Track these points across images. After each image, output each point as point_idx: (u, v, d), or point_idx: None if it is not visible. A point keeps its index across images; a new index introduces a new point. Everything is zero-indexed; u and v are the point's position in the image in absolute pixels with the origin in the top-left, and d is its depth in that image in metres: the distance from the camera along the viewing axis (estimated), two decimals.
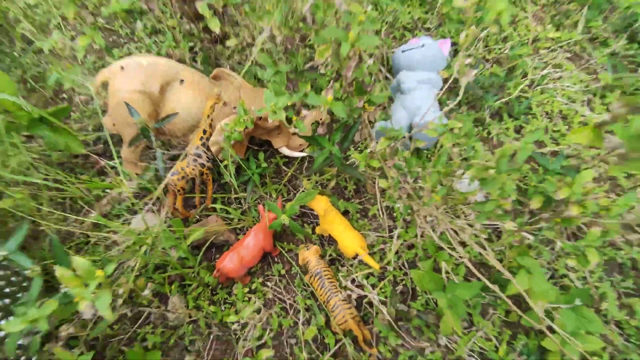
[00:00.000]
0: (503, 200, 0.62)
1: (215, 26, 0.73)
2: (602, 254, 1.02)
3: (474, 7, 0.58)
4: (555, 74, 1.31)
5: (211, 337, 0.91)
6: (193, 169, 0.92)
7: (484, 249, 0.82)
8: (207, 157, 0.93)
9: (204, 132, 0.90)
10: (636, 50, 1.35)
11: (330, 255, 0.99)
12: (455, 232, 0.86)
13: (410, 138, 1.09)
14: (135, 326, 0.91)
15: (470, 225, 0.81)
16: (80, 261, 0.58)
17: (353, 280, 0.95)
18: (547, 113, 1.25)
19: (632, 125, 0.45)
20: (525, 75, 1.31)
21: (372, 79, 0.75)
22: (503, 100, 1.20)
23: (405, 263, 0.99)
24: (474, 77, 1.07)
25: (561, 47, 1.39)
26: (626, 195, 0.94)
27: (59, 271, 0.57)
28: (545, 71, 1.30)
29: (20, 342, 0.59)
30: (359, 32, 0.57)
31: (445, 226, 0.77)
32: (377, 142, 0.97)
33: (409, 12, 1.40)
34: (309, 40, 1.12)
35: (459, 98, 0.70)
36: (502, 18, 0.58)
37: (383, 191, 1.03)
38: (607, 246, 1.04)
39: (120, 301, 0.69)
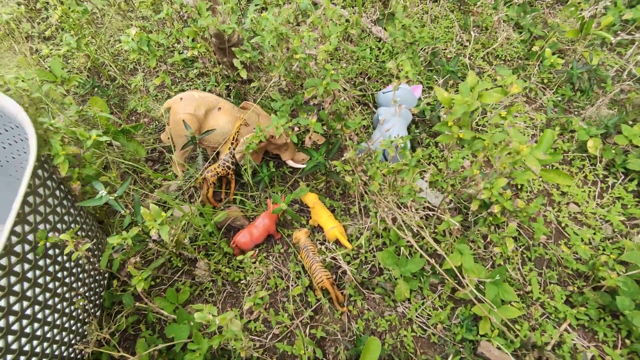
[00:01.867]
0: (415, 184, 0.94)
1: (243, 74, 1.12)
2: (534, 251, 1.29)
3: (397, 68, 0.94)
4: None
5: (225, 292, 1.24)
6: (222, 170, 1.29)
7: (422, 229, 1.12)
8: (232, 162, 1.30)
9: (232, 144, 1.28)
10: (579, 97, 1.67)
11: (318, 239, 1.31)
12: (404, 221, 1.17)
13: (385, 157, 1.43)
14: (175, 278, 1.25)
15: (416, 213, 1.13)
16: (152, 206, 0.94)
17: (334, 258, 1.27)
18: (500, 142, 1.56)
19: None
20: (485, 113, 1.64)
21: (347, 110, 1.11)
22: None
23: (375, 249, 1.29)
24: (435, 115, 1.41)
25: (519, 92, 1.73)
26: (536, 199, 1.23)
27: (142, 210, 0.92)
28: (500, 109, 1.63)
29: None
30: (329, 80, 0.94)
31: (393, 211, 1.09)
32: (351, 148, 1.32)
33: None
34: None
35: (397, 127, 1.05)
36: (409, 75, 0.94)
37: (362, 196, 1.36)
38: (538, 246, 1.31)
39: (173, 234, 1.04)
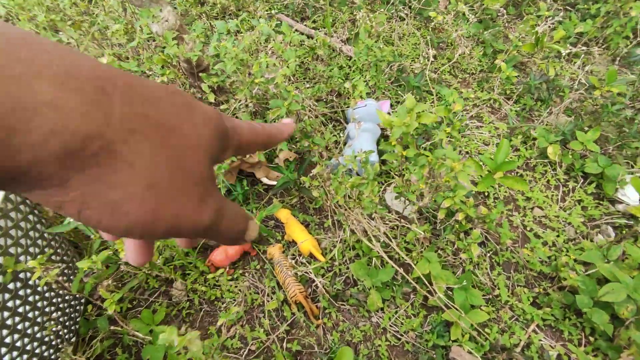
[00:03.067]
0: (374, 196, 0.99)
1: (211, 98, 1.17)
2: (501, 255, 1.34)
3: (364, 83, 1.00)
4: (475, 124, 1.71)
5: (202, 311, 1.25)
6: None
7: (390, 240, 1.17)
8: None
9: None
10: (539, 106, 1.75)
11: (292, 254, 1.34)
12: (372, 231, 1.22)
13: (357, 172, 1.47)
14: (152, 299, 1.26)
15: (383, 223, 1.17)
16: (104, 253, 0.97)
17: (308, 273, 1.30)
18: (467, 152, 1.63)
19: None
20: (450, 124, 1.71)
21: (313, 128, 1.17)
22: (429, 143, 1.60)
23: (348, 260, 1.33)
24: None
25: (483, 103, 1.81)
26: (497, 206, 1.29)
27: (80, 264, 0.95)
28: (467, 122, 1.70)
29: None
30: (290, 102, 0.99)
31: (361, 224, 1.13)
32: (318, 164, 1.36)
33: (364, 81, 1.87)
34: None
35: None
36: (362, 94, 1.00)
37: (334, 210, 1.40)
38: (506, 251, 1.36)
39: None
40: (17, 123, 0.13)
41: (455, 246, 1.31)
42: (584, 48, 1.78)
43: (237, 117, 1.56)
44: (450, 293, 1.20)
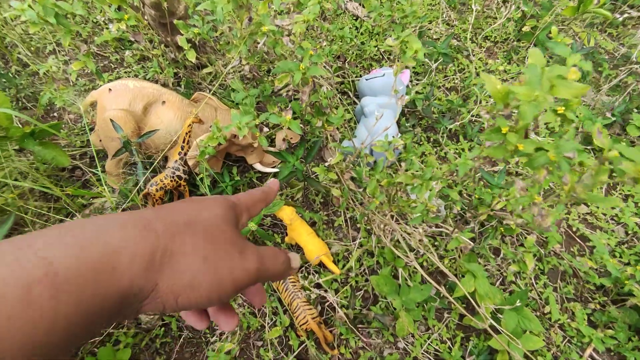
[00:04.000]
0: (430, 204, 0.72)
1: (192, 57, 0.84)
2: (546, 262, 1.12)
3: (400, 46, 0.70)
4: None
5: (182, 339, 0.97)
6: (171, 181, 1.00)
7: (430, 252, 0.91)
8: (184, 171, 1.02)
9: (182, 148, 0.99)
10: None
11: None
12: (405, 239, 0.96)
13: (372, 154, 1.20)
14: (109, 328, 0.96)
15: (418, 231, 0.91)
16: None
17: (319, 285, 1.03)
18: None
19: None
20: (479, 101, 1.45)
21: (329, 102, 0.87)
22: (458, 123, 1.33)
23: (367, 270, 1.07)
24: (427, 105, 1.19)
25: (512, 78, 1.55)
26: (557, 207, 1.05)
27: None
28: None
29: None
30: (308, 64, 0.68)
31: (394, 231, 0.86)
32: (345, 159, 1.08)
33: (375, 46, 1.56)
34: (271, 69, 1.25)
35: (395, 116, 0.82)
36: (419, 55, 0.71)
37: (338, 199, 1.12)
38: (551, 255, 1.14)
39: None
40: (110, 262, 0.22)
41: (501, 255, 1.08)
42: (637, 13, 1.53)
43: (225, 84, 1.22)
44: (498, 314, 0.97)
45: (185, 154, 1.00)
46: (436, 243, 1.10)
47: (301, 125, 0.99)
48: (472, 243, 0.88)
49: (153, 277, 0.23)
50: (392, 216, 0.89)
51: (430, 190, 0.67)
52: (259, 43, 0.69)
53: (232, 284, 0.26)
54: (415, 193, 0.66)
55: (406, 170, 0.75)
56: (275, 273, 0.30)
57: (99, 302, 0.21)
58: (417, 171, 0.70)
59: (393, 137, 0.94)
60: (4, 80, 1.17)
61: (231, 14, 0.66)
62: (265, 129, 0.84)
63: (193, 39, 0.81)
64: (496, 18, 1.71)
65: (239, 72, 0.89)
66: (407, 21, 1.16)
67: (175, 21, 0.80)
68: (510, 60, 1.60)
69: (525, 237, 1.06)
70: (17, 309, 0.18)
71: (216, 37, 0.84)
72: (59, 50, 1.36)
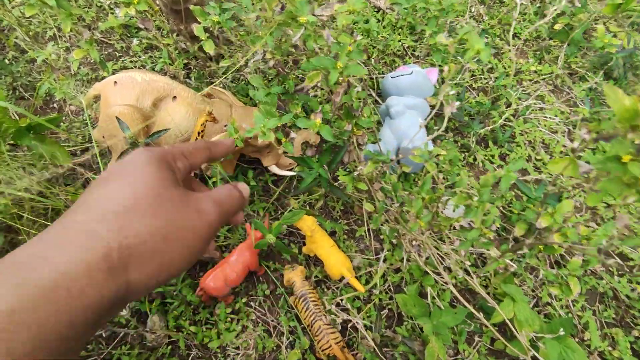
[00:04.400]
0: (487, 229, 0.63)
1: (210, 48, 0.74)
2: (584, 282, 1.04)
3: (455, 45, 0.61)
4: (537, 105, 1.36)
5: (190, 358, 0.88)
6: None
7: (469, 274, 0.83)
8: (195, 174, 0.92)
9: None
10: (612, 84, 1.41)
11: (315, 276, 0.98)
12: (441, 257, 0.87)
13: (398, 161, 1.11)
14: (110, 347, 0.87)
15: (455, 251, 0.82)
16: None
17: (338, 304, 0.94)
18: (529, 142, 1.29)
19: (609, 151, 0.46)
20: (509, 104, 1.35)
21: (361, 103, 0.77)
22: (488, 128, 1.24)
23: (391, 286, 0.98)
24: (458, 107, 1.10)
25: (543, 79, 1.45)
26: (605, 225, 0.96)
27: None
28: (528, 102, 1.35)
29: None
30: (346, 62, 0.59)
31: (431, 251, 0.78)
32: (365, 165, 0.98)
33: (399, 40, 1.46)
34: (299, 65, 1.15)
35: (444, 125, 0.72)
36: (482, 56, 0.61)
37: (370, 213, 1.03)
38: (588, 275, 1.06)
39: None
40: (61, 286, 0.21)
41: (541, 276, 0.99)
42: None
43: (239, 77, 1.12)
44: (536, 341, 0.88)
45: None
46: (472, 264, 1.02)
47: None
48: (514, 265, 0.79)
49: (120, 278, 0.23)
50: (432, 236, 0.81)
51: (487, 215, 0.58)
52: (288, 35, 0.59)
53: (201, 242, 0.27)
54: (471, 217, 0.57)
55: (448, 186, 0.65)
56: (234, 211, 0.32)
57: (64, 330, 0.21)
58: (471, 188, 0.61)
59: (423, 142, 0.85)
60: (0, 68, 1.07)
61: (259, 1, 0.57)
62: (293, 134, 0.74)
63: (211, 28, 0.71)
64: (525, 14, 1.61)
65: (261, 66, 0.80)
66: (441, 16, 1.06)
67: (191, 7, 0.70)
68: (541, 60, 1.50)
69: (569, 257, 0.98)
70: None
71: (235, 27, 0.74)
72: (59, 36, 1.26)
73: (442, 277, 0.79)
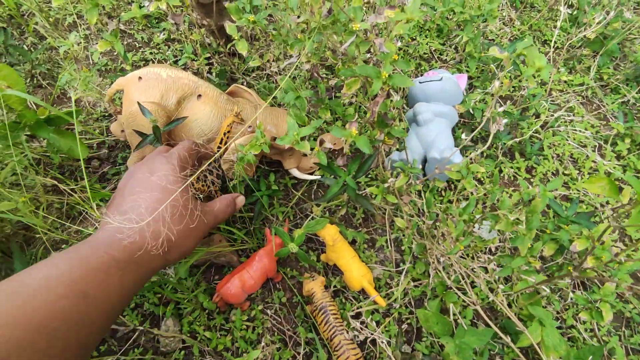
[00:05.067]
0: (532, 258, 0.60)
1: (243, 49, 0.70)
2: (613, 307, 1.00)
3: (511, 60, 0.57)
4: (567, 118, 1.31)
5: None
6: (202, 185, 0.87)
7: (496, 294, 0.79)
8: (218, 174, 0.89)
9: (218, 148, 0.86)
10: None
11: (334, 286, 0.95)
12: (468, 275, 0.84)
13: (423, 168, 1.07)
14: (122, 351, 0.85)
15: (485, 270, 0.79)
16: None
17: (358, 315, 0.92)
18: (558, 155, 1.25)
19: None
20: (538, 115, 1.31)
21: (397, 113, 0.74)
22: (517, 139, 1.19)
23: (412, 301, 0.95)
24: (501, 128, 1.07)
25: (574, 91, 1.40)
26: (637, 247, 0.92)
27: None
28: (557, 114, 1.30)
29: None
30: (390, 73, 0.55)
31: (460, 270, 0.75)
32: (391, 174, 0.95)
33: (427, 43, 1.41)
34: (334, 70, 1.11)
35: (488, 142, 0.68)
36: (542, 74, 0.57)
37: (391, 222, 1.00)
38: (615, 298, 1.02)
39: None
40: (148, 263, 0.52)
41: (571, 299, 0.96)
42: None
43: (263, 75, 1.08)
44: None
45: (220, 157, 0.88)
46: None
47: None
48: (547, 290, 0.76)
49: (165, 259, 0.53)
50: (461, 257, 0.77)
51: (533, 245, 0.54)
52: (343, 44, 0.55)
53: (202, 238, 0.60)
54: (518, 245, 0.54)
55: (486, 208, 0.62)
56: (226, 219, 0.67)
57: (145, 277, 0.51)
58: (515, 207, 0.57)
59: (449, 150, 0.81)
60: (18, 54, 1.04)
61: (305, 2, 0.53)
62: (328, 145, 0.71)
63: (245, 27, 0.68)
64: (556, 21, 1.55)
65: (295, 69, 0.76)
66: (478, 21, 1.01)
67: (227, 4, 0.66)
68: (571, 70, 1.45)
69: (598, 280, 0.94)
70: (110, 286, 0.44)
71: (268, 24, 0.71)
72: (80, 24, 1.22)
73: (467, 296, 0.75)
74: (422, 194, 1.04)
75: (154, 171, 0.54)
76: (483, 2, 0.97)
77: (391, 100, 0.73)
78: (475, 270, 0.76)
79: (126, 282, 0.43)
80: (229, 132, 0.83)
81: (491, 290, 0.97)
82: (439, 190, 1.08)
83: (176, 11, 0.73)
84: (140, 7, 0.93)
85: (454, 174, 0.70)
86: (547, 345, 0.82)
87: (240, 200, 0.67)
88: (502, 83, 0.60)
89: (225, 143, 0.86)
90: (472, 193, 0.70)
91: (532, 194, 0.77)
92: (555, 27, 1.55)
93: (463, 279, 0.78)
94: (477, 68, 1.31)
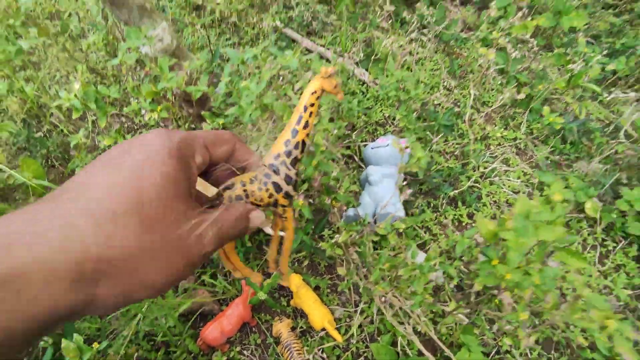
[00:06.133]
0: (428, 294, 0.79)
1: None
2: (540, 331, 1.17)
3: (402, 150, 0.80)
4: (502, 168, 1.54)
5: None
6: (260, 190, 0.35)
7: (435, 325, 0.97)
8: (288, 177, 0.35)
9: (294, 133, 0.34)
10: (569, 149, 1.60)
11: (301, 327, 1.12)
12: (404, 312, 1.01)
13: (375, 221, 1.27)
14: None
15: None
16: (78, 338, 0.73)
17: (322, 351, 1.08)
18: (495, 202, 1.46)
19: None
20: (476, 168, 1.54)
21: (339, 182, 0.95)
22: (457, 191, 1.41)
23: (367, 337, 1.12)
24: (429, 175, 1.28)
25: (509, 143, 1.65)
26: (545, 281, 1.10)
27: (64, 344, 0.71)
28: (493, 165, 1.53)
29: None
30: (320, 160, 0.77)
31: (396, 307, 0.93)
32: (344, 230, 1.15)
33: (381, 111, 1.67)
34: None
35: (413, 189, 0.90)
36: (421, 163, 0.80)
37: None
38: (545, 325, 1.19)
39: None
40: (13, 286, 0.18)
41: (496, 327, 1.13)
42: (623, 95, 1.64)
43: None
44: None
45: (302, 147, 0.36)
46: (433, 318, 1.15)
47: (310, 200, 1.08)
48: (467, 319, 0.93)
49: (86, 291, 0.19)
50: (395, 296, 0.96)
51: (426, 286, 0.73)
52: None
53: (189, 269, 0.24)
54: (414, 286, 0.73)
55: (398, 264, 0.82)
56: (231, 240, 0.28)
57: (7, 333, 0.17)
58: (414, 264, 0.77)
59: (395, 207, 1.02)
60: (37, 143, 1.28)
61: (260, 116, 0.76)
62: (268, 231, 0.92)
63: (217, 128, 0.91)
64: (493, 88, 1.83)
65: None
66: (417, 100, 1.26)
67: (202, 113, 0.90)
68: (507, 126, 1.71)
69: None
70: None
71: (237, 124, 0.94)
72: (89, 115, 1.48)
73: (406, 329, 0.93)
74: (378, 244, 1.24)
75: (134, 144, 0.24)
76: (426, 75, 1.22)
77: (333, 174, 0.95)
78: (409, 312, 0.94)
79: None
80: (312, 105, 0.37)
81: (436, 323, 1.14)
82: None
83: (165, 117, 0.97)
84: (138, 103, 1.18)
85: (381, 230, 0.90)
86: None
87: (257, 216, 0.30)
88: (407, 163, 0.82)
89: (306, 127, 0.35)
90: (394, 247, 0.90)
91: (457, 241, 0.97)
92: (492, 89, 1.83)
93: (401, 314, 0.95)
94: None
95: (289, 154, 0.34)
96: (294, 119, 0.34)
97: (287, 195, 0.35)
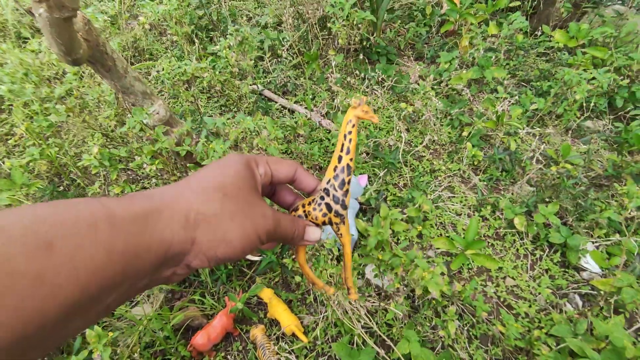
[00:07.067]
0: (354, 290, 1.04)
1: None
2: (478, 328, 1.38)
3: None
4: (446, 195, 1.83)
5: None
6: (315, 210, 0.41)
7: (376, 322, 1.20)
8: (335, 197, 0.41)
9: (339, 159, 0.40)
10: (504, 176, 1.90)
11: (274, 334, 1.35)
12: (354, 312, 1.25)
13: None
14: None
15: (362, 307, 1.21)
16: (97, 328, 0.98)
17: (292, 352, 1.30)
18: (441, 223, 1.73)
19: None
20: (426, 194, 1.82)
21: None
22: (406, 215, 1.69)
23: (331, 338, 1.34)
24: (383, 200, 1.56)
25: (454, 174, 1.94)
26: (470, 281, 1.35)
27: (87, 332, 0.95)
28: (437, 192, 1.82)
29: None
30: None
31: (344, 307, 1.17)
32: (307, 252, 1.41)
33: None
34: None
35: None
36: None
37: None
38: (484, 322, 1.41)
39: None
40: (154, 215, 0.28)
41: (434, 322, 1.36)
42: (540, 129, 1.97)
43: None
44: None
45: (349, 169, 0.41)
46: (378, 310, 1.38)
47: None
48: (401, 313, 1.17)
49: (190, 233, 0.29)
50: (344, 296, 1.20)
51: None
52: None
53: (255, 237, 0.33)
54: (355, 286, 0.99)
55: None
56: (287, 237, 0.37)
57: (145, 245, 0.26)
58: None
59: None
60: (59, 196, 1.58)
61: None
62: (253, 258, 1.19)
63: None
64: (440, 126, 2.17)
65: None
66: (362, 144, 1.58)
67: (188, 164, 1.20)
68: (452, 160, 2.02)
69: (449, 307, 1.35)
70: (86, 240, 0.23)
71: None
72: (101, 171, 1.80)
73: (354, 327, 1.16)
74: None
75: (220, 159, 0.36)
76: (382, 121, 1.54)
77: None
78: (355, 309, 1.18)
79: (117, 246, 0.25)
80: (350, 133, 0.40)
81: (390, 326, 1.37)
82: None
83: (161, 175, 1.27)
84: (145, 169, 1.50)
85: (328, 244, 1.17)
86: (414, 355, 1.20)
87: (313, 231, 0.40)
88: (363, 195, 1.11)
89: (348, 152, 0.40)
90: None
91: (407, 256, 1.23)
92: (439, 130, 2.16)
93: (352, 317, 1.19)
94: (370, 167, 1.87)
95: (336, 177, 0.39)
96: (338, 147, 0.40)
97: (337, 214, 0.40)
